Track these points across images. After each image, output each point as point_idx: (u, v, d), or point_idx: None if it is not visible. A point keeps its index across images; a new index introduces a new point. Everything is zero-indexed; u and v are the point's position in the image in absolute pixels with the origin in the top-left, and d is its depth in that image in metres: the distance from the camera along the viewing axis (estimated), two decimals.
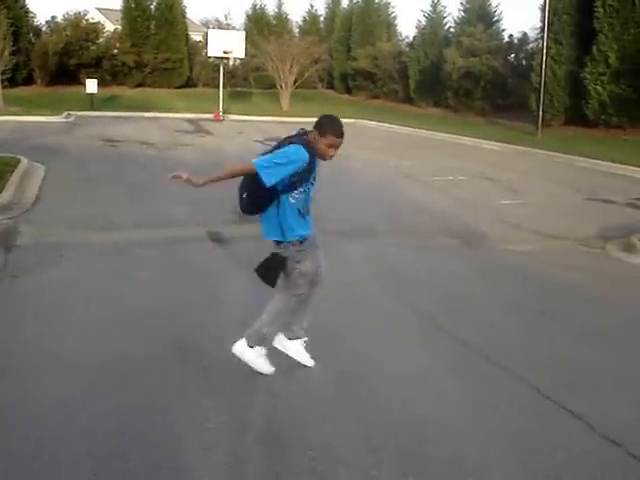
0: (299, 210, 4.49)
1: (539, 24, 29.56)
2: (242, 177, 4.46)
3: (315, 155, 4.41)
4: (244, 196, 4.49)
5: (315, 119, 4.48)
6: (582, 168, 18.84)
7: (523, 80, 32.46)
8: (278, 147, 4.43)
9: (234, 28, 48.49)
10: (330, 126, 4.38)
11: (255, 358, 4.68)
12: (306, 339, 4.85)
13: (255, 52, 38.03)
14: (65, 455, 3.72)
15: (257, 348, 4.67)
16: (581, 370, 5.16)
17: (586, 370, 5.16)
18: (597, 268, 8.40)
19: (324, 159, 4.47)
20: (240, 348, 4.68)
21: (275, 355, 4.80)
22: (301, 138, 4.42)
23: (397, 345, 5.51)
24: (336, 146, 4.39)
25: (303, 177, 4.41)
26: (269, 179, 4.22)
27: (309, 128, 4.50)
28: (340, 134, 4.37)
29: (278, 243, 4.54)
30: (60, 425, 4.02)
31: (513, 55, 37.80)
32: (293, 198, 4.45)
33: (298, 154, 4.31)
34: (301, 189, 4.46)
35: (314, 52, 38.56)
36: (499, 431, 4.17)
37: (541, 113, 26.23)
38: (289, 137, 4.50)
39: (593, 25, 26.72)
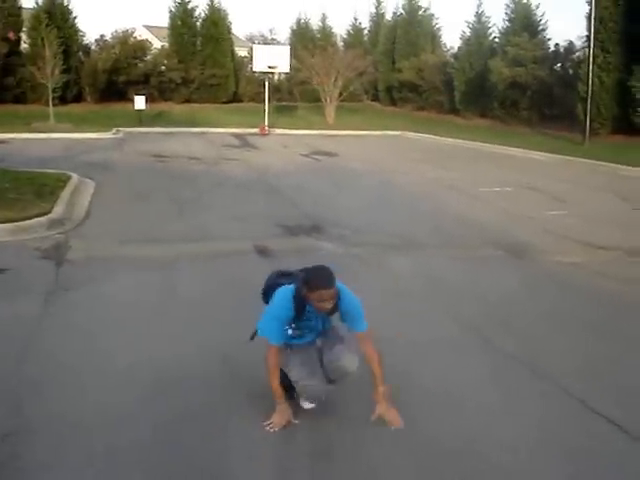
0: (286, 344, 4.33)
1: (585, 32, 29.26)
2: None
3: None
4: None
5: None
6: (630, 177, 18.56)
7: (570, 89, 32.10)
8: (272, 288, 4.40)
9: (279, 43, 48.91)
10: (315, 281, 4.07)
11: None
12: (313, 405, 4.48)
13: (300, 66, 38.29)
14: (112, 464, 3.82)
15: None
16: (631, 383, 5.09)
17: (636, 384, 5.09)
18: None
19: (321, 312, 4.23)
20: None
21: None
22: (297, 285, 4.21)
23: (443, 358, 5.50)
24: (327, 299, 4.07)
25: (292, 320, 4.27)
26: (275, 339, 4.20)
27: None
28: (327, 284, 4.05)
29: None
30: (109, 436, 4.10)
31: (559, 64, 37.38)
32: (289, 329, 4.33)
33: (281, 307, 4.20)
34: (297, 330, 4.36)
35: (359, 65, 38.55)
36: (547, 447, 4.14)
37: (588, 122, 25.92)
38: (290, 275, 4.42)
39: None
